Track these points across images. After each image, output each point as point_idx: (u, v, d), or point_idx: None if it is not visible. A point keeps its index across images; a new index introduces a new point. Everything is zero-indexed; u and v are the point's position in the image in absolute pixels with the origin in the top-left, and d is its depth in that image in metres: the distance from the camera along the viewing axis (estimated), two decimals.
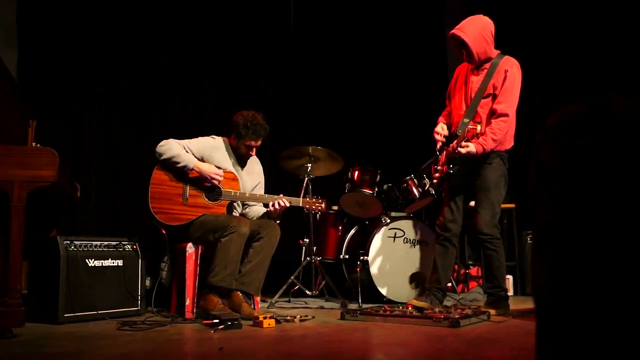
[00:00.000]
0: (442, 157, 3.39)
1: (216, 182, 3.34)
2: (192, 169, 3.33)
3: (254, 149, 3.56)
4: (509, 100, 3.26)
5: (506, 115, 3.25)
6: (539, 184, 0.96)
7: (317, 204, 3.57)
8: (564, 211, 0.91)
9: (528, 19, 5.24)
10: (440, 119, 3.61)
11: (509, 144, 3.35)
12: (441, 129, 3.50)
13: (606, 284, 0.86)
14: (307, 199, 3.61)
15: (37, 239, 3.14)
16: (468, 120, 3.31)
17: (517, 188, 4.91)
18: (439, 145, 3.48)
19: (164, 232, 3.36)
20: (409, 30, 6.00)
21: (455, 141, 3.27)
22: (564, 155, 0.92)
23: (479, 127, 3.09)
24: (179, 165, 3.31)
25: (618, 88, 4.38)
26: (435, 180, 3.43)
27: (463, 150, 3.18)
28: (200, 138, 3.51)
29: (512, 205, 4.97)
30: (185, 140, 3.43)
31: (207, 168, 3.34)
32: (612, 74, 4.54)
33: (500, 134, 3.24)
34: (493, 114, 3.29)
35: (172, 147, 3.33)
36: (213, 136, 3.56)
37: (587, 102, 0.95)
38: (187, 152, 3.38)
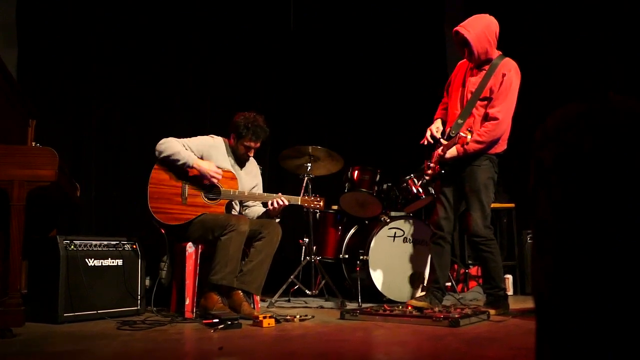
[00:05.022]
0: (435, 155, 3.41)
1: (215, 181, 3.34)
2: (192, 167, 3.31)
3: (253, 151, 3.56)
4: (502, 104, 3.26)
5: (496, 119, 3.25)
6: (539, 184, 0.97)
7: (315, 202, 3.58)
8: (564, 211, 0.91)
9: (528, 19, 5.24)
10: (438, 114, 3.61)
11: (501, 147, 3.35)
12: (435, 130, 3.51)
13: (606, 284, 0.86)
14: (306, 197, 3.62)
15: (37, 239, 3.14)
16: (462, 121, 3.33)
17: (517, 188, 4.93)
18: (424, 142, 3.51)
19: (163, 231, 3.36)
20: (408, 30, 6.01)
21: (445, 145, 3.33)
22: (564, 155, 0.92)
23: (469, 137, 3.16)
24: (178, 162, 3.30)
25: (618, 88, 4.38)
26: (427, 178, 3.47)
27: (448, 156, 3.32)
28: (199, 137, 3.51)
29: (512, 205, 4.97)
30: (185, 139, 3.43)
31: (207, 166, 3.33)
32: (612, 74, 4.54)
33: (486, 136, 3.24)
34: (487, 117, 3.30)
35: (172, 145, 3.32)
36: (212, 135, 3.56)
37: (587, 102, 0.95)
38: (186, 149, 3.38)
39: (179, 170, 3.34)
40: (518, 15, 5.22)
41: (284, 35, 5.52)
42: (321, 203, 3.60)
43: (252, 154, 3.59)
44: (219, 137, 3.57)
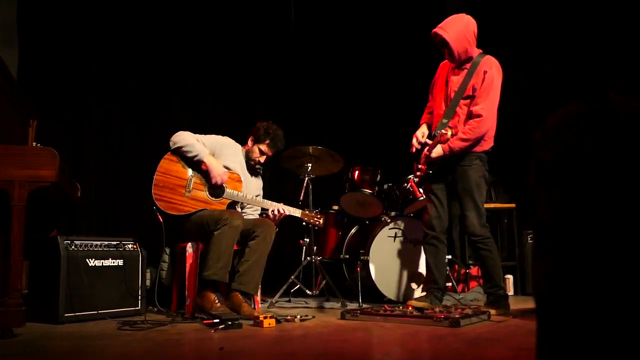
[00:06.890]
0: (423, 157, 3.43)
1: (219, 181, 3.35)
2: (203, 161, 3.34)
3: (265, 157, 3.59)
4: (485, 101, 3.29)
5: (479, 116, 3.27)
6: (539, 184, 0.97)
7: (315, 219, 3.60)
8: (564, 211, 0.91)
9: (528, 19, 5.23)
10: (423, 119, 3.63)
11: (488, 145, 3.37)
12: (421, 135, 3.51)
13: (606, 284, 0.86)
14: (307, 211, 3.63)
15: (37, 239, 3.14)
16: (447, 120, 3.36)
17: (517, 188, 4.92)
18: (413, 149, 3.51)
19: (160, 219, 3.31)
20: (408, 30, 6.00)
21: (430, 145, 3.35)
22: (564, 155, 0.92)
23: (449, 133, 3.23)
24: (190, 154, 3.33)
25: (618, 88, 4.38)
26: (416, 179, 3.49)
27: (433, 155, 3.34)
28: (210, 135, 3.55)
29: (513, 205, 4.97)
30: (199, 135, 3.47)
31: (216, 165, 3.36)
32: (612, 74, 4.54)
33: (471, 134, 3.26)
34: (471, 115, 3.31)
35: (187, 137, 3.37)
36: (227, 137, 3.62)
37: (587, 102, 0.95)
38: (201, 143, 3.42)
39: (189, 162, 3.37)
40: (518, 15, 5.22)
41: (284, 35, 5.52)
42: (321, 220, 3.62)
43: (263, 160, 3.62)
44: (233, 141, 3.63)
